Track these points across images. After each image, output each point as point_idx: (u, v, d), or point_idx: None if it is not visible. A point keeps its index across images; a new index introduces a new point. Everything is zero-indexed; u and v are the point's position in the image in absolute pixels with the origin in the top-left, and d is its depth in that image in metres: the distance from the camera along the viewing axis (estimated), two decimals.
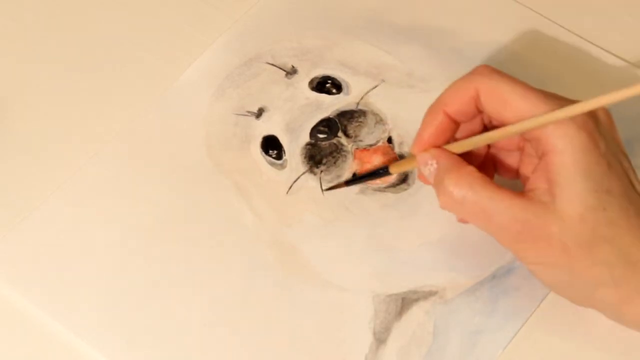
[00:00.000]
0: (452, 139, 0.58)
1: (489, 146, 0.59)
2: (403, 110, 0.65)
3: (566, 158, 0.53)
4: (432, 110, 0.57)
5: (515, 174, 0.59)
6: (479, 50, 0.68)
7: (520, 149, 0.58)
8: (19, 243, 0.61)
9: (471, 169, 0.55)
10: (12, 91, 0.67)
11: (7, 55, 0.69)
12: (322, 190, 0.63)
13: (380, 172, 0.62)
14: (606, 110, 0.56)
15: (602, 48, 0.68)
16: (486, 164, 0.59)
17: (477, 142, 0.57)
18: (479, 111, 0.57)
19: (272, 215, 0.62)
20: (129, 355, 0.58)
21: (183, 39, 0.69)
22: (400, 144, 0.64)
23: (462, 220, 0.59)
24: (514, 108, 0.54)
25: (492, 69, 0.56)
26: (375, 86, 0.66)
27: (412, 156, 0.59)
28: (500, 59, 0.68)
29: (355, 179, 0.63)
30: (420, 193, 0.62)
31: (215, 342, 0.59)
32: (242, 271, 0.61)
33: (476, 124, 0.58)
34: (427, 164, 0.57)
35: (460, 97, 0.56)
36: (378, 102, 0.66)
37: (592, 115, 0.54)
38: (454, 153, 0.57)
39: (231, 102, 0.66)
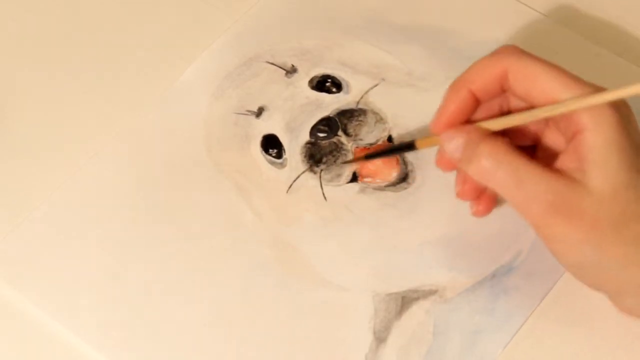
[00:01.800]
0: (470, 119, 0.57)
1: None
2: (403, 109, 0.65)
3: (599, 136, 0.52)
4: (455, 86, 0.57)
5: None
6: (479, 49, 0.67)
7: (537, 141, 0.58)
8: (19, 243, 0.61)
9: (506, 139, 0.55)
10: (12, 91, 0.67)
11: (7, 55, 0.69)
12: (340, 163, 0.62)
13: (405, 146, 0.61)
14: (629, 106, 0.56)
15: (603, 47, 0.68)
16: None
17: (512, 122, 0.56)
18: (502, 91, 0.56)
19: (272, 215, 0.62)
20: (129, 355, 0.58)
21: (183, 39, 0.69)
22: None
23: (477, 213, 0.59)
24: (545, 88, 0.54)
25: (519, 49, 0.56)
26: (375, 85, 0.67)
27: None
28: None
29: (378, 153, 0.62)
30: (421, 192, 0.62)
31: (215, 342, 0.59)
32: (242, 271, 0.61)
33: (494, 107, 0.58)
34: (454, 138, 0.55)
35: (487, 75, 0.56)
36: (378, 101, 0.66)
37: (620, 102, 0.54)
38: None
39: (231, 101, 0.66)
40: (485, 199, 0.59)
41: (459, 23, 0.69)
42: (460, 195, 0.59)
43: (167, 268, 0.61)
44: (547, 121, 0.56)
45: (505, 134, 0.58)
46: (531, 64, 0.55)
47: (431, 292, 0.60)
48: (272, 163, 0.64)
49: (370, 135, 0.64)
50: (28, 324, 0.59)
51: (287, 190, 0.63)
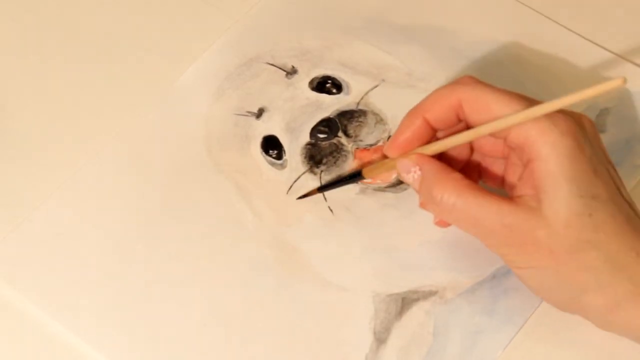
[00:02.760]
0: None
1: (472, 152, 0.59)
2: (403, 110, 0.64)
3: (551, 164, 0.53)
4: (411, 114, 0.58)
5: (501, 181, 0.59)
6: (479, 50, 0.68)
7: (505, 157, 0.58)
8: (19, 243, 0.61)
9: (457, 176, 0.55)
10: (13, 92, 0.67)
11: (7, 55, 0.69)
12: (297, 198, 0.63)
13: (352, 177, 0.62)
14: (589, 119, 0.56)
15: (602, 47, 0.68)
16: (470, 170, 0.59)
17: (451, 143, 0.57)
18: (459, 120, 0.57)
19: (272, 215, 0.62)
20: (129, 355, 0.58)
21: (183, 39, 0.69)
22: None
23: (440, 224, 0.59)
24: (498, 115, 0.54)
25: (475, 79, 0.57)
26: (376, 86, 0.66)
27: (385, 161, 0.59)
28: (500, 58, 0.68)
29: (328, 184, 0.62)
30: None
31: (215, 342, 0.59)
32: (242, 271, 0.61)
33: (452, 133, 0.58)
34: (410, 171, 0.57)
35: (441, 104, 0.56)
36: (378, 102, 0.66)
37: (576, 121, 0.54)
38: (435, 159, 0.57)
39: (231, 102, 0.66)
40: None
41: (459, 23, 0.69)
42: (422, 206, 0.59)
43: (167, 268, 0.61)
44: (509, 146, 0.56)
45: (476, 152, 0.59)
46: (484, 93, 0.55)
47: (431, 293, 0.60)
48: (272, 164, 0.64)
49: (371, 136, 0.64)
50: (28, 324, 0.59)
51: (288, 191, 0.63)
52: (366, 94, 0.66)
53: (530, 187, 0.54)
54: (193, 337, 0.59)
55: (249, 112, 0.66)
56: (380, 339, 0.58)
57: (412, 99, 0.65)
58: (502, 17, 0.70)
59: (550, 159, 0.53)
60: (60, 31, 0.70)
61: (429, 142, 0.58)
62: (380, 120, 0.65)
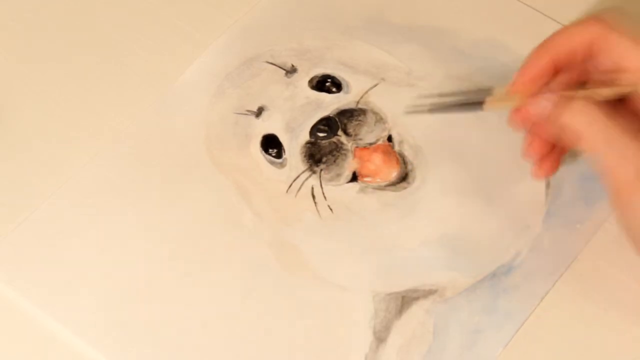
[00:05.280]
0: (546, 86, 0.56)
1: None
2: (403, 108, 0.65)
3: None
4: (539, 52, 0.56)
5: None
6: (479, 49, 0.68)
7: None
8: (19, 243, 0.62)
9: (597, 101, 0.54)
10: (13, 92, 0.68)
11: (7, 55, 0.69)
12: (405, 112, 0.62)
13: (472, 104, 0.59)
14: None
15: None
16: None
17: (601, 93, 0.55)
18: (583, 62, 0.56)
19: (272, 214, 0.62)
20: (129, 355, 0.58)
21: (183, 39, 0.69)
22: (400, 142, 0.64)
23: (539, 172, 0.57)
24: (635, 65, 0.53)
25: (604, 21, 0.55)
26: (375, 85, 0.67)
27: (510, 96, 0.57)
28: (501, 58, 0.68)
29: (443, 107, 0.61)
30: (421, 191, 0.62)
31: (215, 341, 0.59)
32: (242, 271, 0.61)
33: (572, 75, 0.57)
34: (548, 98, 0.55)
35: (572, 46, 0.55)
36: (378, 100, 0.66)
37: None
38: None
39: (231, 101, 0.66)
40: (551, 159, 0.58)
41: (459, 22, 0.70)
42: (527, 153, 0.58)
43: (167, 268, 0.61)
44: None
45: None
46: (620, 41, 0.54)
47: (431, 292, 0.60)
48: (272, 163, 0.64)
49: (370, 134, 0.64)
50: (28, 324, 0.59)
51: (287, 189, 0.63)
52: (366, 92, 0.66)
53: None
54: (193, 337, 0.59)
55: (248, 111, 0.66)
56: (380, 337, 0.58)
57: (412, 98, 0.66)
58: (502, 16, 0.70)
59: None
60: (61, 32, 0.70)
61: (548, 82, 0.56)
62: (380, 119, 0.65)
